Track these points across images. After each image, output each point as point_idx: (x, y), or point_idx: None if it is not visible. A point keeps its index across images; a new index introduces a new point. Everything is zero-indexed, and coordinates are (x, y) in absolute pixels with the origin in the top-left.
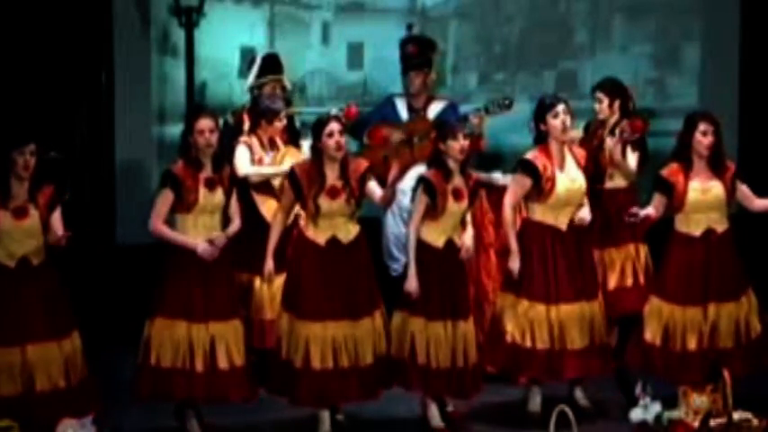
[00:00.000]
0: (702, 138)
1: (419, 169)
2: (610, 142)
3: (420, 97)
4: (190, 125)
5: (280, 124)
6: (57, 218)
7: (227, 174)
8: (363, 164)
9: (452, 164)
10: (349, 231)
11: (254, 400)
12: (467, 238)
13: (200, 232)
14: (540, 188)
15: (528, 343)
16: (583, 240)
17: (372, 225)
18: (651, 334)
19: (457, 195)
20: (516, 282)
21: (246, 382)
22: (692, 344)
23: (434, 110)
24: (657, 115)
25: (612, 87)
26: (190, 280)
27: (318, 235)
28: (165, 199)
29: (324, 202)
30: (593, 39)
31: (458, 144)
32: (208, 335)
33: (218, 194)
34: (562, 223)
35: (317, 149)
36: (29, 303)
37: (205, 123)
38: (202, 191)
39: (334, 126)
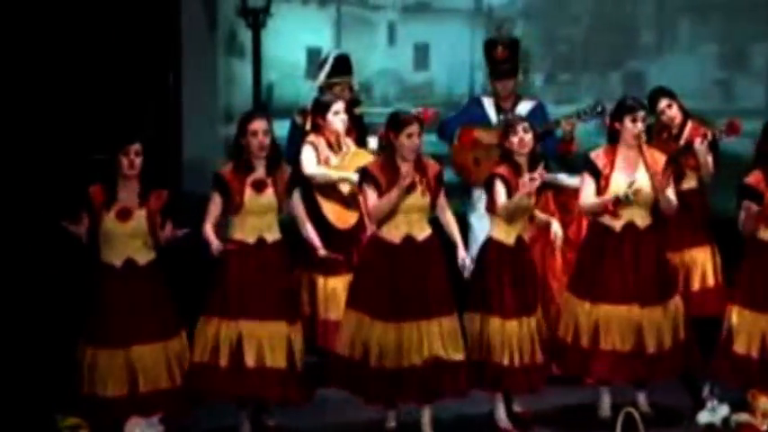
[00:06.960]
0: None
1: None
2: (698, 144)
3: (508, 98)
4: (243, 127)
5: (335, 118)
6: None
7: (285, 175)
8: (436, 164)
9: (520, 159)
10: (423, 229)
11: (304, 403)
12: (555, 227)
13: (248, 233)
14: (597, 187)
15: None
16: (643, 242)
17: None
18: (744, 346)
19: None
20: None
21: (293, 384)
22: None
23: (522, 110)
24: (724, 116)
25: (671, 92)
26: (237, 281)
27: (393, 233)
28: (213, 202)
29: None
30: (660, 39)
31: (516, 137)
32: (251, 334)
33: (267, 196)
34: (617, 224)
35: (390, 146)
36: (135, 304)
37: (258, 125)
38: (248, 192)
39: (415, 128)
